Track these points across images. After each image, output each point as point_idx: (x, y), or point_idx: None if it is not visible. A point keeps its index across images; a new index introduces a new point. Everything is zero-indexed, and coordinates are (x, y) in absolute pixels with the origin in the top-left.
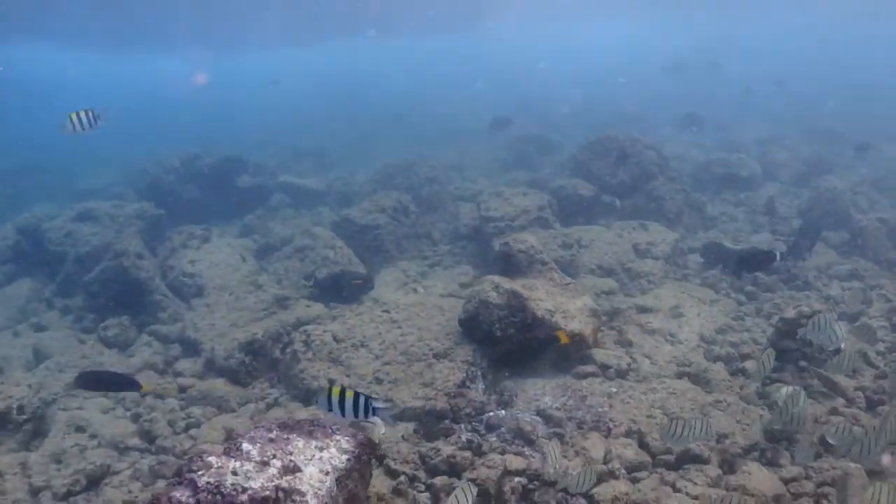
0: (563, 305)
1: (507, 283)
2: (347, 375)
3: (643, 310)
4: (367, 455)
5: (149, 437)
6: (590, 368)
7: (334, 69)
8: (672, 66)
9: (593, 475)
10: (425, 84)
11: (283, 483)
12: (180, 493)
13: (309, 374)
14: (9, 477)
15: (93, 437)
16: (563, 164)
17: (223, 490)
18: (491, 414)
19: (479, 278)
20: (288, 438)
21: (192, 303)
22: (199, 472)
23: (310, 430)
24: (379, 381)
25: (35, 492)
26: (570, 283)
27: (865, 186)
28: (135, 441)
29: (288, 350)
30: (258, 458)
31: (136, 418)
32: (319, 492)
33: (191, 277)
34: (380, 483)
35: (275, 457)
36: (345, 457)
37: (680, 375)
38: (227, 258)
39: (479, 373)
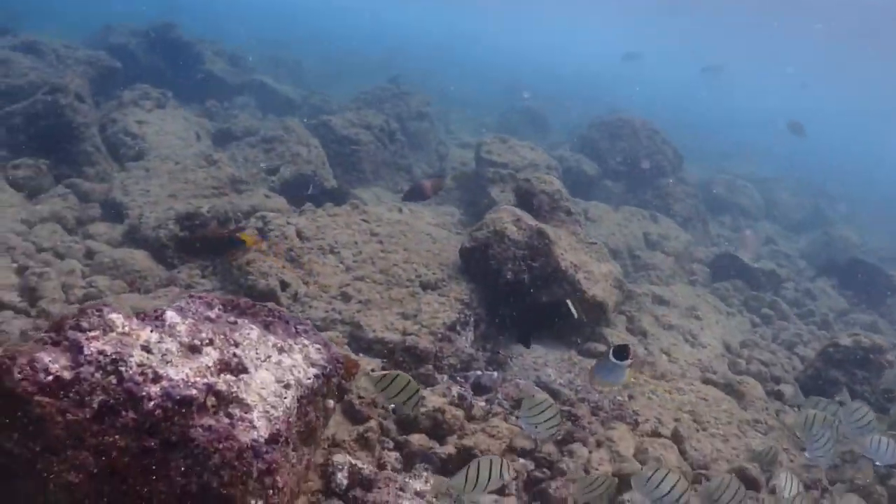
0: (587, 265)
1: (530, 219)
2: (306, 283)
3: (659, 301)
4: (338, 377)
5: (31, 296)
6: (601, 348)
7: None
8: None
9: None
10: (420, 45)
11: (220, 383)
12: (49, 357)
13: (257, 268)
14: None
15: None
16: (569, 137)
17: (122, 369)
18: (480, 373)
19: (495, 207)
20: (235, 323)
21: (128, 166)
22: (90, 333)
23: (267, 320)
24: (346, 297)
25: None
26: (595, 244)
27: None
28: (11, 297)
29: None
30: (186, 339)
31: (20, 271)
32: (272, 411)
33: (133, 138)
34: (337, 426)
35: (211, 343)
36: (312, 370)
37: (706, 382)
38: (180, 131)
39: (472, 319)
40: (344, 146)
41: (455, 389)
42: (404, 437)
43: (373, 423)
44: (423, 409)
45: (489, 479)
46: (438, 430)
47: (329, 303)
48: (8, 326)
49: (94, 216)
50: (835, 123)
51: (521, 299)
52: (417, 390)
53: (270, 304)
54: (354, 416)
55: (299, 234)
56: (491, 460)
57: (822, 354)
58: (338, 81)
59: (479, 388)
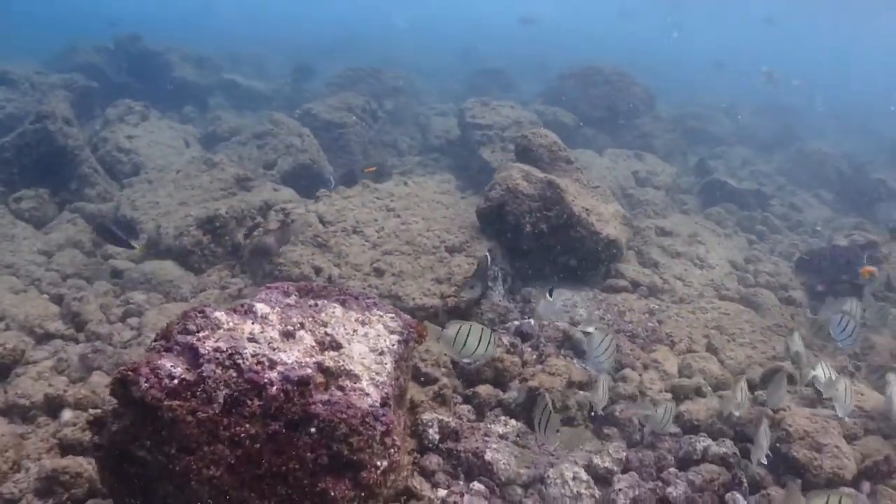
0: (597, 208)
1: (539, 173)
2: (337, 265)
3: (662, 232)
4: (414, 341)
5: (76, 321)
6: (622, 283)
7: None
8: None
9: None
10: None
11: (327, 360)
12: (170, 363)
13: (289, 258)
14: None
15: None
16: (540, 92)
17: (239, 362)
18: (518, 322)
19: (505, 165)
20: (316, 305)
21: (127, 182)
22: (201, 334)
23: (340, 298)
24: (379, 272)
25: None
26: (598, 187)
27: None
28: (57, 325)
29: (256, 233)
30: (280, 326)
31: (59, 300)
32: (377, 377)
33: (126, 154)
34: (410, 388)
35: (302, 326)
36: (394, 337)
37: (723, 298)
38: (169, 139)
39: (500, 274)
40: (331, 131)
41: (507, 339)
42: (471, 390)
43: (445, 381)
44: (482, 362)
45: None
46: (500, 378)
47: (364, 280)
48: (65, 354)
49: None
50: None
51: (542, 249)
52: (492, 331)
53: (340, 286)
54: (422, 378)
55: (321, 220)
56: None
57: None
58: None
59: (522, 336)
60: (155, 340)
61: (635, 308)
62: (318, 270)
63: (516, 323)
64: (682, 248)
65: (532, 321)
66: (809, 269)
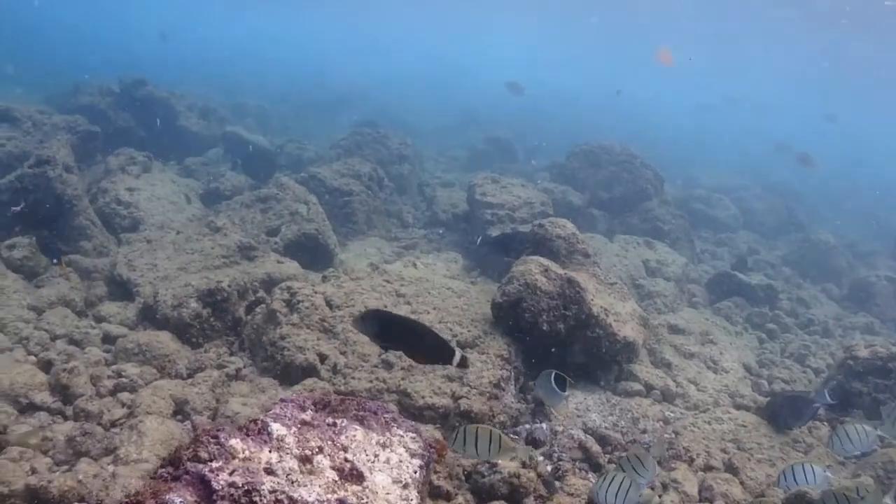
0: (614, 307)
1: (558, 268)
2: (343, 353)
3: (674, 329)
4: (433, 461)
5: (65, 394)
6: (636, 386)
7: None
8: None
9: None
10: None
11: (350, 497)
12: (179, 497)
13: (293, 342)
14: None
15: None
16: (546, 168)
17: (256, 500)
18: (529, 426)
19: (523, 259)
20: (334, 425)
21: (124, 238)
22: (213, 465)
23: (359, 414)
24: (388, 365)
25: None
26: (615, 284)
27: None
28: (43, 397)
29: (259, 310)
30: (297, 451)
31: (47, 366)
32: None
33: (126, 207)
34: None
35: (321, 451)
36: (416, 462)
37: (738, 407)
38: (170, 194)
39: (513, 373)
40: (336, 198)
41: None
42: None
43: (460, 499)
44: (497, 476)
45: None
46: (516, 494)
47: (371, 372)
48: (51, 432)
49: (100, 295)
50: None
51: (556, 348)
52: (500, 435)
53: (357, 398)
54: (437, 493)
55: (328, 303)
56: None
57: (843, 367)
58: (302, 123)
59: (534, 442)
60: (162, 466)
61: (650, 415)
62: (322, 358)
63: (528, 427)
64: (695, 348)
65: (545, 426)
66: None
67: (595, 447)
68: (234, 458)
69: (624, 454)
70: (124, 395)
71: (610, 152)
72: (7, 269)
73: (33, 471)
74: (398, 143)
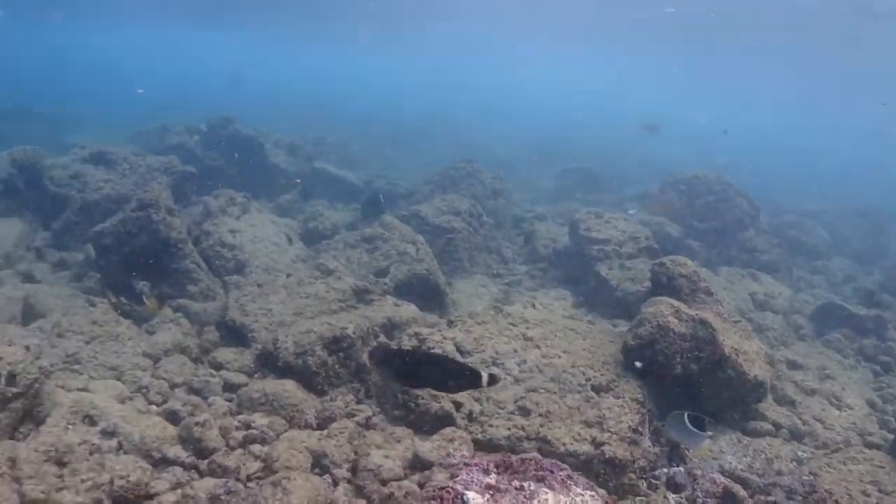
0: (742, 346)
1: (689, 309)
2: (478, 400)
3: (794, 366)
4: None
5: (198, 447)
6: (765, 426)
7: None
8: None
9: None
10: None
11: None
12: None
13: (427, 391)
14: None
15: (108, 434)
16: (636, 198)
17: None
18: (667, 470)
19: (651, 300)
20: (522, 489)
21: (230, 281)
22: None
23: (538, 474)
24: (525, 411)
25: None
26: (739, 322)
27: None
28: (177, 451)
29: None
30: None
31: (173, 417)
32: None
33: (230, 249)
34: None
35: None
36: None
37: (868, 446)
38: (272, 235)
39: (647, 416)
40: (439, 236)
41: (673, 498)
42: None
43: None
44: None
45: None
46: None
47: (508, 419)
48: (192, 490)
49: (213, 341)
50: None
51: (685, 390)
52: None
53: (532, 455)
54: None
55: (459, 349)
56: None
57: None
58: (382, 155)
59: (674, 487)
60: None
61: (782, 455)
62: (457, 405)
63: (665, 471)
64: (815, 384)
65: (682, 470)
66: None
67: (741, 492)
68: None
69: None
70: (255, 448)
71: (705, 181)
72: (118, 315)
73: None
74: (491, 178)
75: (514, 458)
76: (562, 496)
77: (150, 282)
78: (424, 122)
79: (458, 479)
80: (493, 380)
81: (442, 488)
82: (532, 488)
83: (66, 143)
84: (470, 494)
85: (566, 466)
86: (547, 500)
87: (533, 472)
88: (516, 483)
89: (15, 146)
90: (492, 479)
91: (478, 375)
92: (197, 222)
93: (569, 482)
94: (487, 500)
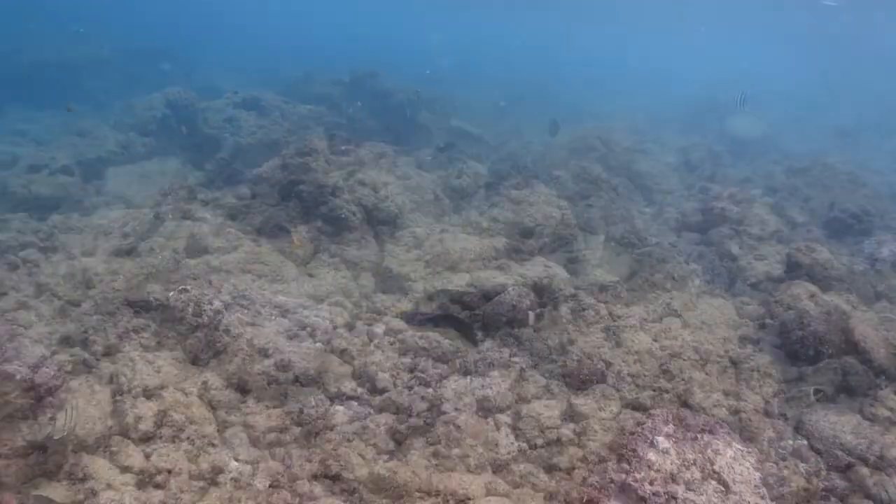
0: (867, 333)
1: (822, 294)
2: (625, 361)
3: None
4: None
5: (369, 384)
6: (884, 412)
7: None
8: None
9: None
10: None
11: None
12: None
13: (580, 348)
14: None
15: (283, 367)
16: (749, 177)
17: None
18: (793, 442)
19: (788, 283)
20: (696, 438)
21: (382, 232)
22: (639, 476)
23: (707, 428)
24: (668, 374)
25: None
26: (867, 311)
27: None
28: (352, 386)
29: (541, 313)
30: (677, 462)
31: (342, 355)
32: None
33: (382, 201)
34: None
35: (695, 462)
36: (757, 475)
37: None
38: (419, 188)
39: (777, 389)
40: (576, 203)
41: (802, 467)
42: None
43: None
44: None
45: None
46: None
47: (654, 380)
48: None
49: (370, 287)
50: None
51: (816, 370)
52: None
53: (700, 414)
54: None
55: (611, 314)
56: None
57: None
58: (507, 117)
59: (799, 457)
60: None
61: None
62: (608, 364)
63: (791, 443)
64: None
65: (806, 443)
66: None
67: (862, 468)
68: (650, 468)
69: None
70: (420, 390)
71: (831, 169)
72: (282, 256)
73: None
74: (621, 150)
75: (688, 413)
76: (729, 449)
77: (306, 226)
78: (544, 85)
79: (646, 426)
80: None
81: (633, 433)
82: (706, 439)
83: (204, 84)
84: (660, 438)
85: (726, 425)
86: (718, 449)
87: (701, 427)
88: (690, 434)
89: (160, 87)
90: (670, 428)
91: None
92: (350, 172)
93: (729, 438)
94: (674, 446)
